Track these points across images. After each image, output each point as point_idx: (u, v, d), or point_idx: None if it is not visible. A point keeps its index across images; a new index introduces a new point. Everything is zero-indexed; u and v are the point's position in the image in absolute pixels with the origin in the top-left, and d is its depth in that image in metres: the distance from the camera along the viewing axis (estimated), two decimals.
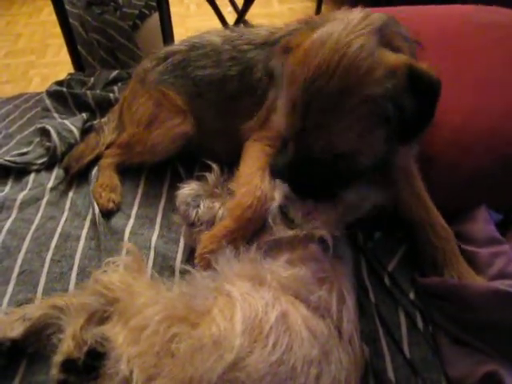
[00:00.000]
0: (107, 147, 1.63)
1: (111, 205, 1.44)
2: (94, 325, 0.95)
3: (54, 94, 1.86)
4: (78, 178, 1.57)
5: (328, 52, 0.94)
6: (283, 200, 1.12)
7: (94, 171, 1.57)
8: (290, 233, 1.07)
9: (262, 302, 0.88)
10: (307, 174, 1.06)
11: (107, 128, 1.67)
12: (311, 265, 1.02)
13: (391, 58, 0.94)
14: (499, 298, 1.02)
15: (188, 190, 1.23)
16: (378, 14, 1.03)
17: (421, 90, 0.94)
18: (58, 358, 0.93)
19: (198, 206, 1.19)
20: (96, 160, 1.61)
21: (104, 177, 1.53)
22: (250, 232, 1.12)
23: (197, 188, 1.24)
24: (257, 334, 0.83)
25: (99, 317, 0.96)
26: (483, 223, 1.25)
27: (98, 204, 1.44)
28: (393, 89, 0.92)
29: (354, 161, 1.02)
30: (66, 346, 0.93)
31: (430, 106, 0.97)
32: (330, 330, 0.91)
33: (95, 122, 1.78)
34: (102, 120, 1.73)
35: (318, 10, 4.09)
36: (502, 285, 1.05)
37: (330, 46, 0.95)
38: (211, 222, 1.17)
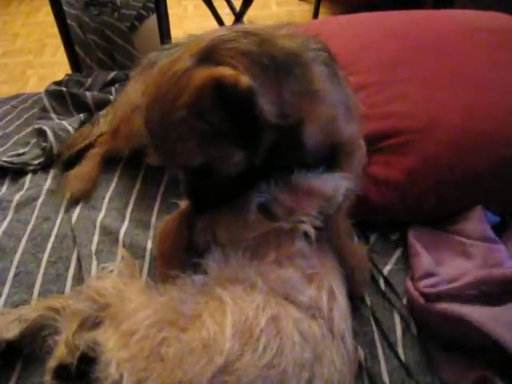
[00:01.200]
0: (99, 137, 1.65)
1: (79, 195, 1.46)
2: (87, 330, 0.95)
3: (53, 94, 1.86)
4: None
5: (152, 87, 0.98)
6: (262, 196, 1.12)
7: None
8: (274, 225, 1.06)
9: (253, 305, 0.88)
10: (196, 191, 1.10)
11: (103, 120, 1.69)
12: (299, 262, 1.02)
13: (200, 75, 0.91)
14: (456, 322, 1.03)
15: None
16: (210, 35, 0.99)
17: (231, 101, 0.91)
18: (51, 364, 0.94)
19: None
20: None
21: (84, 166, 1.55)
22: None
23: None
24: (247, 337, 0.83)
25: (92, 322, 0.97)
26: (478, 222, 1.27)
27: (67, 191, 1.47)
28: (198, 109, 0.91)
29: (211, 171, 1.02)
30: (59, 352, 0.94)
31: (246, 115, 0.93)
32: (321, 331, 0.91)
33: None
34: (100, 113, 1.75)
35: (316, 13, 4.10)
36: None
37: (156, 79, 0.98)
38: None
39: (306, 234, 1.07)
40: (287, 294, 0.95)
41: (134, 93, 1.50)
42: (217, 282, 0.97)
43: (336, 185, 1.09)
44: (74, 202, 1.46)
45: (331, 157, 1.20)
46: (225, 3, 3.53)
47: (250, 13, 3.38)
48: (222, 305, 0.89)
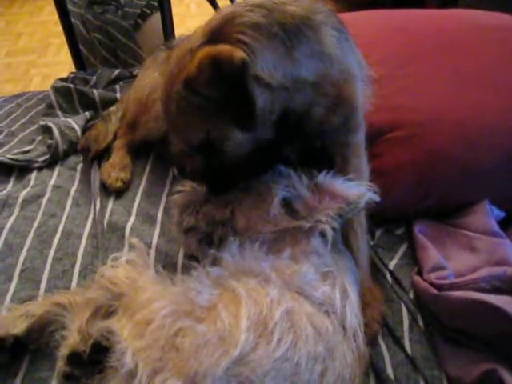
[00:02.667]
0: (115, 136, 1.67)
1: (119, 184, 1.47)
2: (100, 319, 0.95)
3: (60, 90, 1.86)
4: (80, 176, 1.58)
5: (168, 69, 1.02)
6: (286, 191, 1.12)
7: (94, 166, 1.58)
8: (296, 223, 1.07)
9: (267, 298, 0.88)
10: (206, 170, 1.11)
11: (115, 117, 1.70)
12: (313, 259, 1.02)
13: (200, 54, 0.93)
14: (474, 307, 1.03)
15: (181, 195, 1.22)
16: (220, 14, 1.01)
17: (225, 76, 0.92)
18: (63, 351, 0.94)
19: (194, 211, 1.18)
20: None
21: (115, 156, 1.57)
22: None
23: (191, 191, 1.22)
24: (261, 330, 0.83)
25: (105, 311, 0.96)
26: (484, 216, 1.27)
27: (106, 184, 1.48)
28: (196, 84, 0.94)
29: (220, 148, 1.04)
30: (71, 340, 0.94)
31: (240, 89, 0.94)
32: (334, 327, 0.91)
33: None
34: (111, 109, 1.75)
35: None
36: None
37: (171, 62, 1.02)
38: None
39: (322, 234, 1.07)
40: (301, 290, 0.95)
41: (148, 80, 1.54)
42: (232, 274, 0.97)
43: (361, 193, 1.08)
44: (115, 192, 1.48)
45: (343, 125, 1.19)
46: (227, 2, 3.52)
47: None
48: (237, 296, 0.89)
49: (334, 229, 1.07)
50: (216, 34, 0.97)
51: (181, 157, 1.17)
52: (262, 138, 1.04)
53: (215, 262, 1.04)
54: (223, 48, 0.92)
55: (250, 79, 0.93)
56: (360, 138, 1.24)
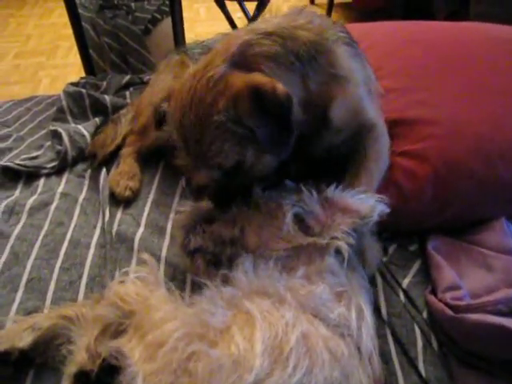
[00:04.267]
0: (124, 138, 1.66)
1: (128, 192, 1.45)
2: (109, 337, 0.93)
3: (71, 95, 1.85)
4: (88, 184, 1.56)
5: (187, 91, 1.02)
6: (298, 206, 1.10)
7: (103, 174, 1.56)
8: (310, 240, 1.05)
9: (282, 321, 0.85)
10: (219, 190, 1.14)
11: (124, 119, 1.69)
12: (328, 279, 1.00)
13: (236, 82, 0.97)
14: (492, 331, 1.00)
15: (184, 215, 1.20)
16: (237, 40, 1.05)
17: (268, 108, 0.96)
18: (70, 369, 0.91)
19: (200, 231, 1.15)
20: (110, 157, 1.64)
21: (124, 164, 1.56)
22: None
23: (194, 211, 1.21)
24: (277, 354, 0.81)
25: (114, 329, 0.94)
26: (501, 234, 1.25)
27: (114, 193, 1.46)
28: (236, 114, 0.97)
29: (245, 170, 1.07)
30: (79, 358, 0.91)
31: (282, 120, 0.99)
32: (350, 350, 0.89)
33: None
34: (121, 112, 1.75)
35: (328, 16, 4.08)
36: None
37: (190, 84, 1.03)
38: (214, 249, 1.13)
39: (337, 250, 1.05)
40: (317, 311, 0.93)
41: (162, 85, 1.54)
42: (245, 294, 0.95)
43: (373, 205, 1.07)
44: (123, 202, 1.46)
45: (356, 141, 1.26)
46: (237, 7, 3.52)
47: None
48: (251, 318, 0.87)
49: (349, 245, 1.05)
50: (236, 60, 1.02)
51: (189, 171, 1.17)
52: (283, 158, 1.10)
53: (226, 281, 1.01)
54: (265, 79, 0.97)
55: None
56: (371, 147, 1.26)
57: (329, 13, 4.09)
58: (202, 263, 1.12)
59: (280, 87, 0.96)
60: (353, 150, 1.27)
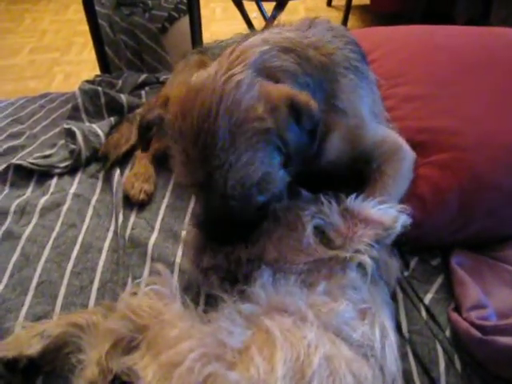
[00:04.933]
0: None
1: (142, 196, 1.41)
2: (121, 351, 0.89)
3: (87, 92, 1.81)
4: (102, 185, 1.52)
5: (208, 96, 0.94)
6: (318, 218, 1.06)
7: (117, 175, 1.52)
8: (331, 253, 1.01)
9: (305, 342, 0.81)
10: (228, 218, 1.04)
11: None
12: (350, 294, 0.96)
13: (273, 91, 0.95)
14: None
15: (195, 236, 1.13)
16: (255, 49, 1.02)
17: (303, 121, 0.96)
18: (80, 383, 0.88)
19: (212, 252, 1.10)
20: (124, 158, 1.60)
21: (138, 166, 1.51)
22: None
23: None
24: (298, 378, 0.76)
25: (126, 344, 0.90)
26: None
27: (129, 195, 1.41)
28: (275, 123, 0.94)
29: (265, 188, 1.01)
30: (89, 372, 0.87)
31: (311, 135, 1.00)
32: (373, 373, 0.84)
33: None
34: (137, 111, 1.71)
35: (345, 20, 4.04)
36: None
37: (208, 89, 0.95)
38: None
39: (358, 264, 1.01)
40: (339, 330, 0.88)
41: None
42: (264, 311, 0.90)
43: (396, 216, 1.03)
44: (137, 205, 1.42)
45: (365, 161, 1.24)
46: (253, 7, 3.48)
47: (278, 17, 3.32)
48: (271, 338, 0.82)
49: (372, 258, 1.01)
50: (261, 69, 0.99)
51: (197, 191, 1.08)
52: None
53: (244, 296, 0.97)
54: (299, 93, 0.97)
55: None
56: (385, 164, 1.24)
57: (346, 16, 4.04)
58: (215, 279, 1.08)
59: (313, 102, 0.95)
60: (364, 169, 1.25)
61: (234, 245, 1.07)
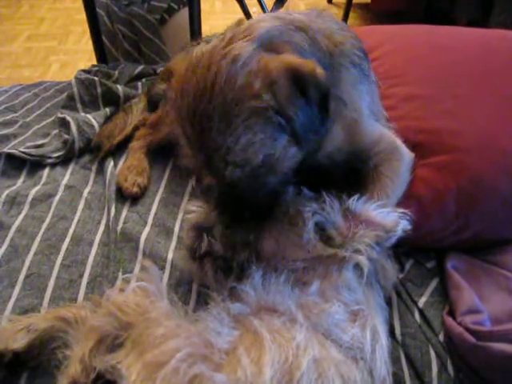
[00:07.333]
0: (135, 128, 1.59)
1: (135, 189, 1.39)
2: (104, 349, 0.87)
3: (83, 82, 1.77)
4: (94, 177, 1.50)
5: (203, 73, 0.88)
6: (319, 215, 1.04)
7: (111, 167, 1.49)
8: (331, 251, 0.99)
9: (293, 343, 0.79)
10: (238, 198, 1.00)
11: (136, 108, 1.63)
12: (344, 295, 0.95)
13: (270, 63, 0.86)
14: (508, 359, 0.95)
15: (197, 214, 1.11)
16: (264, 23, 0.95)
17: (309, 91, 0.87)
18: (62, 382, 0.86)
19: (212, 234, 1.08)
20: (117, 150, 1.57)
21: (132, 159, 1.49)
22: None
23: (206, 211, 1.12)
24: (286, 381, 0.75)
25: (110, 341, 0.88)
26: None
27: (121, 188, 1.39)
28: (275, 99, 0.86)
29: (272, 170, 0.96)
30: (72, 369, 0.86)
31: (321, 105, 0.91)
32: (362, 375, 0.83)
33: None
34: (133, 100, 1.68)
35: (345, 18, 4.02)
36: None
37: (205, 65, 0.88)
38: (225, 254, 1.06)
39: (356, 265, 0.99)
40: (329, 332, 0.87)
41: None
42: (253, 311, 0.89)
43: (397, 220, 1.01)
44: (130, 198, 1.39)
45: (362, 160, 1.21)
46: (253, 1, 3.45)
47: None
48: (259, 339, 0.81)
49: (370, 259, 0.99)
50: (265, 44, 0.90)
51: (200, 172, 1.06)
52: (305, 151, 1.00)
53: (234, 294, 0.95)
54: (303, 60, 0.88)
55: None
56: (383, 165, 1.21)
57: (346, 13, 4.02)
58: (210, 269, 1.06)
59: (320, 69, 0.87)
60: (362, 168, 1.23)
61: (244, 223, 1.03)
